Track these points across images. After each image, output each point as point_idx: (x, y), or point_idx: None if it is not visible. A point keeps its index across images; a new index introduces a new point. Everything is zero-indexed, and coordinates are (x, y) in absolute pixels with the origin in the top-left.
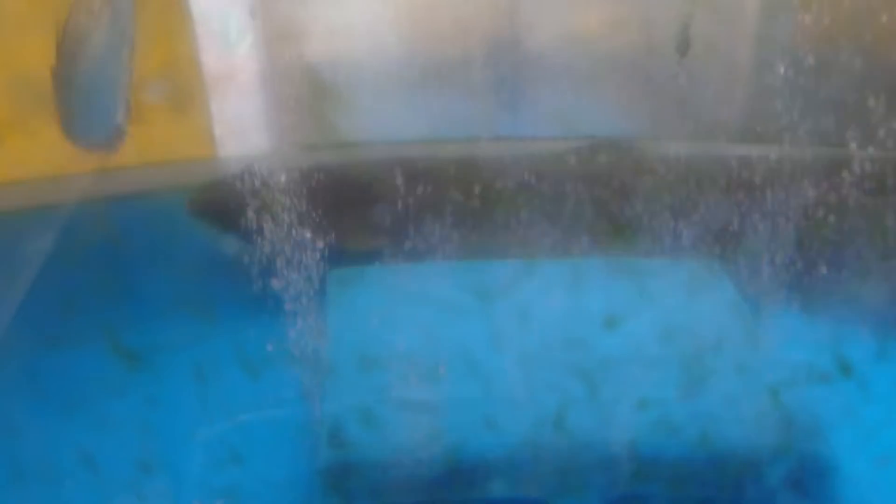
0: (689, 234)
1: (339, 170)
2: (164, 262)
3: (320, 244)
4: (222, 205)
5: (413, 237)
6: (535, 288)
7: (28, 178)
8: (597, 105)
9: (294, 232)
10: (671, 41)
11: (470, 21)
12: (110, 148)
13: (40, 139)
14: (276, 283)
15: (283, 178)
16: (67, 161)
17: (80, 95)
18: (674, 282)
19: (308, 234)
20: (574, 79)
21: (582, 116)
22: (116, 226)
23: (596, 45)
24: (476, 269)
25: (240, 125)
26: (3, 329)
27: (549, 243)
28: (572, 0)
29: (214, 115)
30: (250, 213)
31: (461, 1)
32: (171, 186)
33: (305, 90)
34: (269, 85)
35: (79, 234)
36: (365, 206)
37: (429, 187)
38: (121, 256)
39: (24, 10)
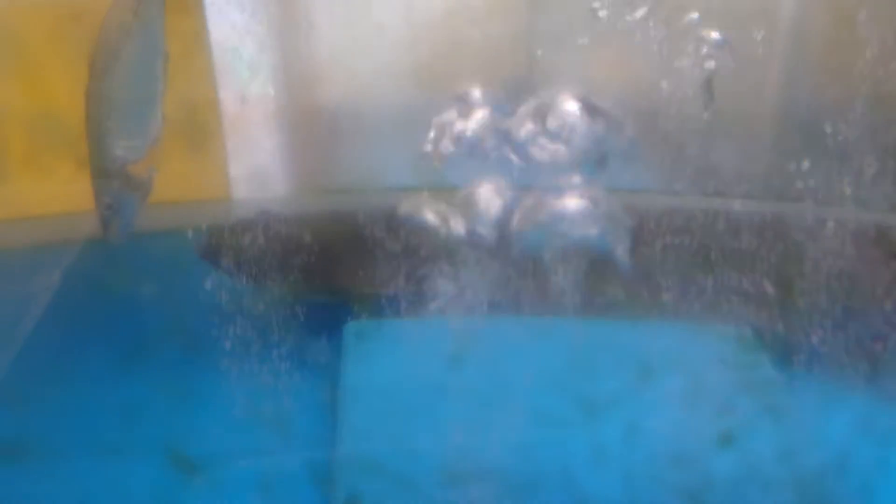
0: (716, 298)
1: (352, 216)
2: (170, 307)
3: (334, 293)
4: (231, 249)
5: (430, 287)
6: (544, 347)
7: (41, 214)
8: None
9: (305, 279)
10: (694, 93)
11: (488, 68)
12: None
13: (55, 176)
14: (282, 334)
15: (295, 223)
16: (81, 198)
17: (118, 109)
18: (701, 350)
19: (320, 282)
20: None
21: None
22: (126, 266)
23: (615, 94)
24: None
25: (255, 167)
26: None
27: (559, 303)
28: (591, 48)
29: (230, 157)
30: (259, 259)
31: (480, 47)
32: (184, 227)
33: (322, 133)
34: (286, 128)
35: (88, 274)
36: (379, 254)
37: (444, 235)
38: (125, 299)
39: (44, 46)
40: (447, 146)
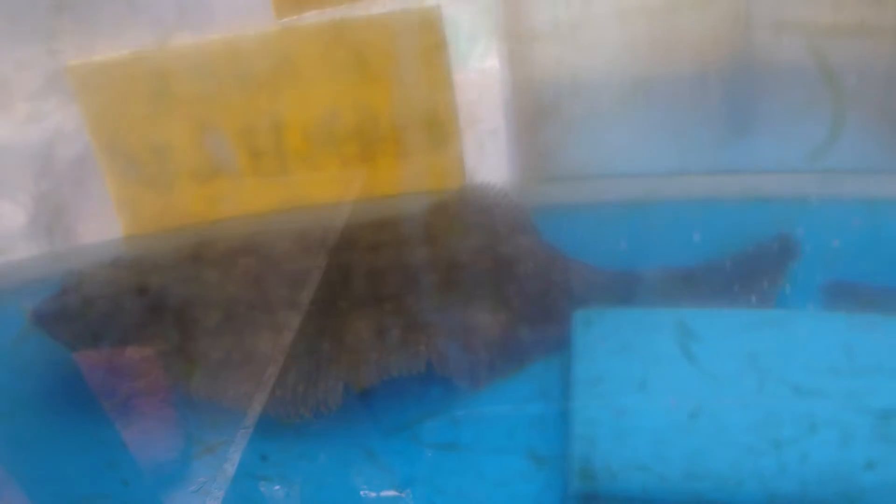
0: None
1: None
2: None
3: None
4: None
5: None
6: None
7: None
8: (847, 135)
9: None
10: None
11: (706, 41)
12: None
13: (324, 171)
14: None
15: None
16: (339, 189)
17: None
18: None
19: None
20: (818, 104)
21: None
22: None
23: (846, 66)
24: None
25: (487, 160)
26: None
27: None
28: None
29: (466, 151)
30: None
31: (698, 19)
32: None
33: (545, 124)
34: (513, 122)
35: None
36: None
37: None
38: None
39: (314, 66)
40: None
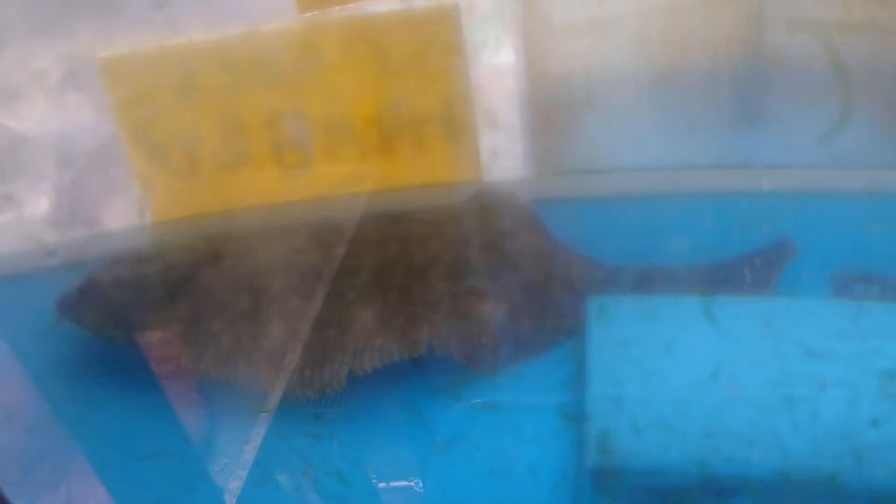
0: None
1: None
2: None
3: None
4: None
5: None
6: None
7: (327, 195)
8: (857, 129)
9: None
10: None
11: (720, 39)
12: None
13: (345, 163)
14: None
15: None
16: (357, 181)
17: None
18: None
19: None
20: (828, 99)
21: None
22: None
23: (855, 62)
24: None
25: (503, 153)
26: None
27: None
28: (829, 12)
29: (482, 144)
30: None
31: (713, 17)
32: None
33: (560, 118)
34: (528, 116)
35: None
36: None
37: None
38: None
39: (338, 60)
40: None
